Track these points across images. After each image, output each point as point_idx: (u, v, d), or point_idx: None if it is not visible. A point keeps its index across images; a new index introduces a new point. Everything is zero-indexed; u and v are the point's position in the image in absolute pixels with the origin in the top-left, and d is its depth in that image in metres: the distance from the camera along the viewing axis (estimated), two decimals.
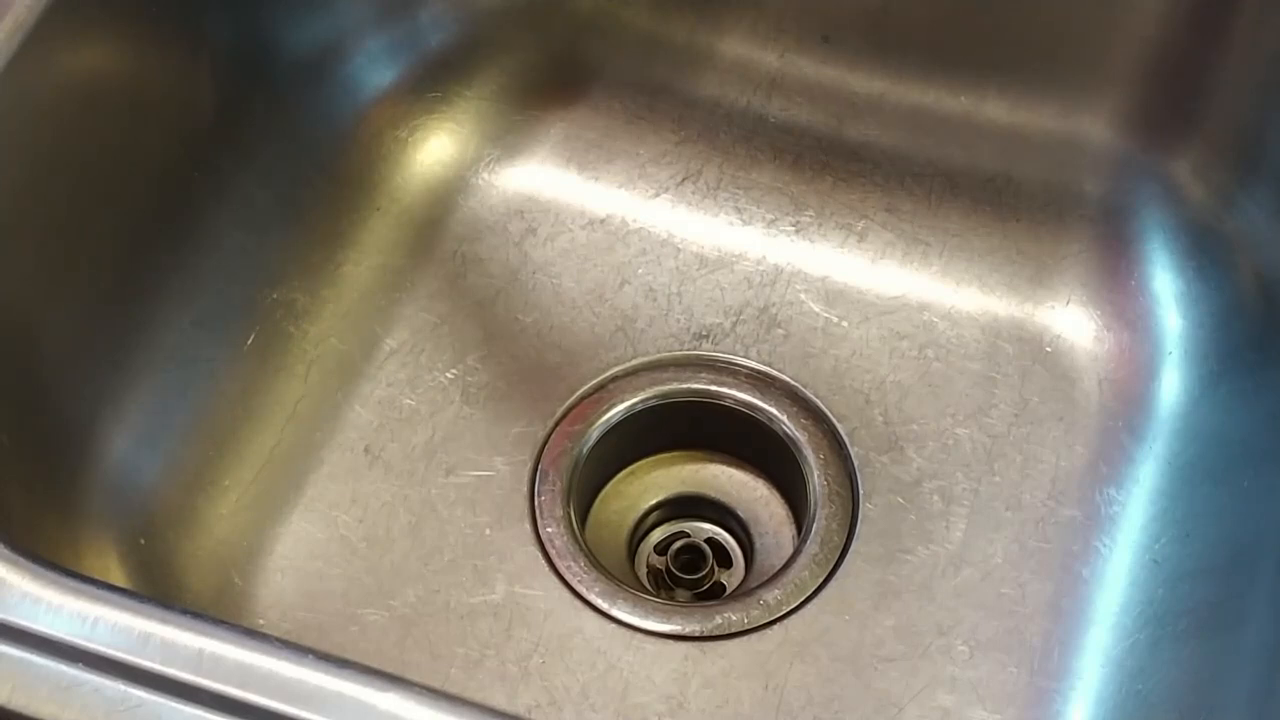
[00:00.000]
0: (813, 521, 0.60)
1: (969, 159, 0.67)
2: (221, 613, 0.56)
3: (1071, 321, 0.65)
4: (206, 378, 0.61)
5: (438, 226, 0.67)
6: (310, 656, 0.42)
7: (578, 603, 0.58)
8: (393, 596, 0.59)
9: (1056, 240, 0.66)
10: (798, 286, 0.66)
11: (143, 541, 0.57)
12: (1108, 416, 0.63)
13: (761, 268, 0.67)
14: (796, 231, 0.67)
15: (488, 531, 0.60)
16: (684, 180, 0.68)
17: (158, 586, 0.56)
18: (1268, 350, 0.61)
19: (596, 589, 0.59)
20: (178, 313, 0.60)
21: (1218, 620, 0.56)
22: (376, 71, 0.68)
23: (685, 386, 0.63)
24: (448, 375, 0.64)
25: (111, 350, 0.58)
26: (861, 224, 0.67)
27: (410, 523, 0.60)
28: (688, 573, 0.61)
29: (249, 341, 0.62)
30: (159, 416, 0.59)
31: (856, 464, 0.61)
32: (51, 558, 0.45)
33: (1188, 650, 0.55)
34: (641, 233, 0.68)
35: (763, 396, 0.63)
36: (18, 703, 0.41)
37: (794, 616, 0.58)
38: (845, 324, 0.65)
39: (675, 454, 0.64)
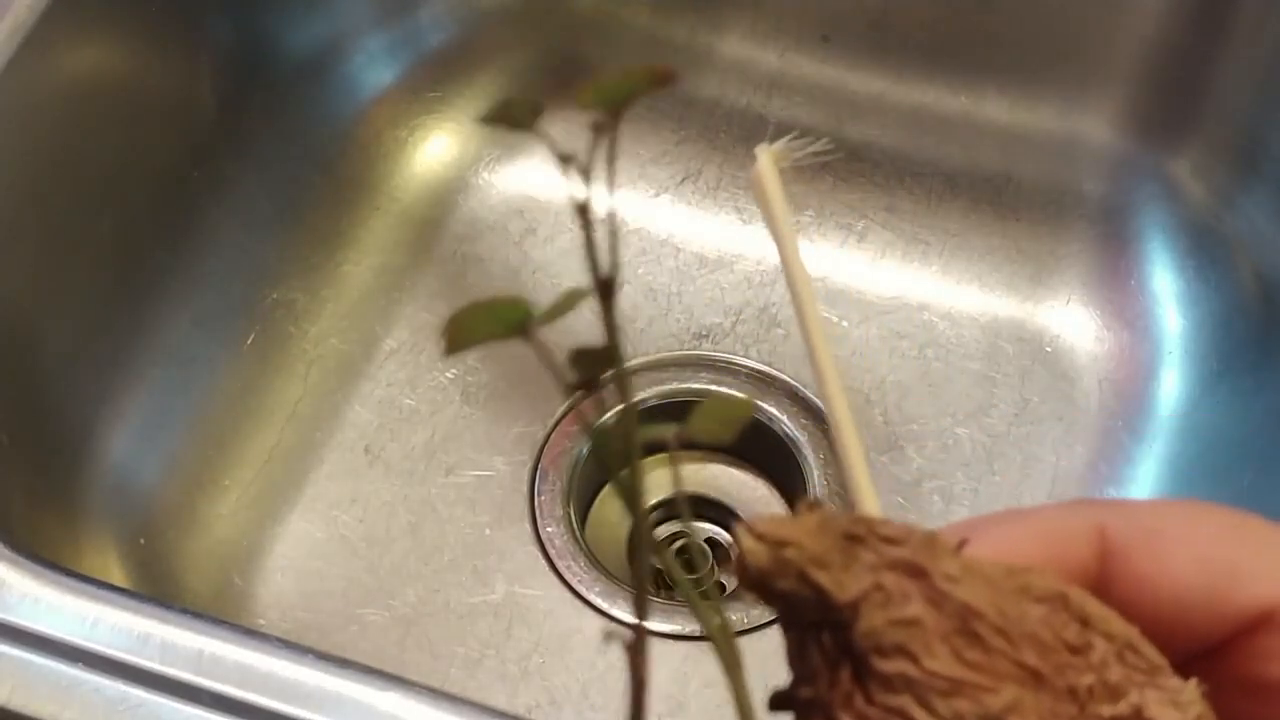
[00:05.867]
0: None
1: (969, 159, 0.67)
2: (221, 613, 0.56)
3: (1071, 321, 0.65)
4: (206, 377, 0.61)
5: (438, 226, 0.67)
6: (310, 656, 0.42)
7: (578, 603, 0.58)
8: (393, 596, 0.59)
9: (1056, 240, 0.66)
10: None
11: (143, 541, 0.57)
12: (1108, 416, 0.63)
13: (761, 268, 0.67)
14: (796, 231, 0.67)
15: (488, 531, 0.60)
16: (684, 180, 0.68)
17: (158, 586, 0.56)
18: (1268, 350, 0.61)
19: (596, 589, 0.59)
20: (177, 312, 0.60)
21: None
22: (376, 71, 0.68)
23: (685, 386, 0.63)
24: (448, 375, 0.64)
25: (111, 350, 0.58)
26: (861, 224, 0.67)
27: (410, 523, 0.60)
28: (687, 573, 0.61)
29: (249, 341, 0.62)
30: (159, 416, 0.59)
31: None
32: (51, 558, 0.45)
33: None
34: (641, 233, 0.68)
35: (763, 396, 0.63)
36: (18, 703, 0.41)
37: None
38: (845, 324, 0.65)
39: (675, 454, 0.64)
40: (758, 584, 0.22)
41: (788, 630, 0.23)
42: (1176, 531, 0.24)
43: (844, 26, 0.67)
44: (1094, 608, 0.23)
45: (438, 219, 0.68)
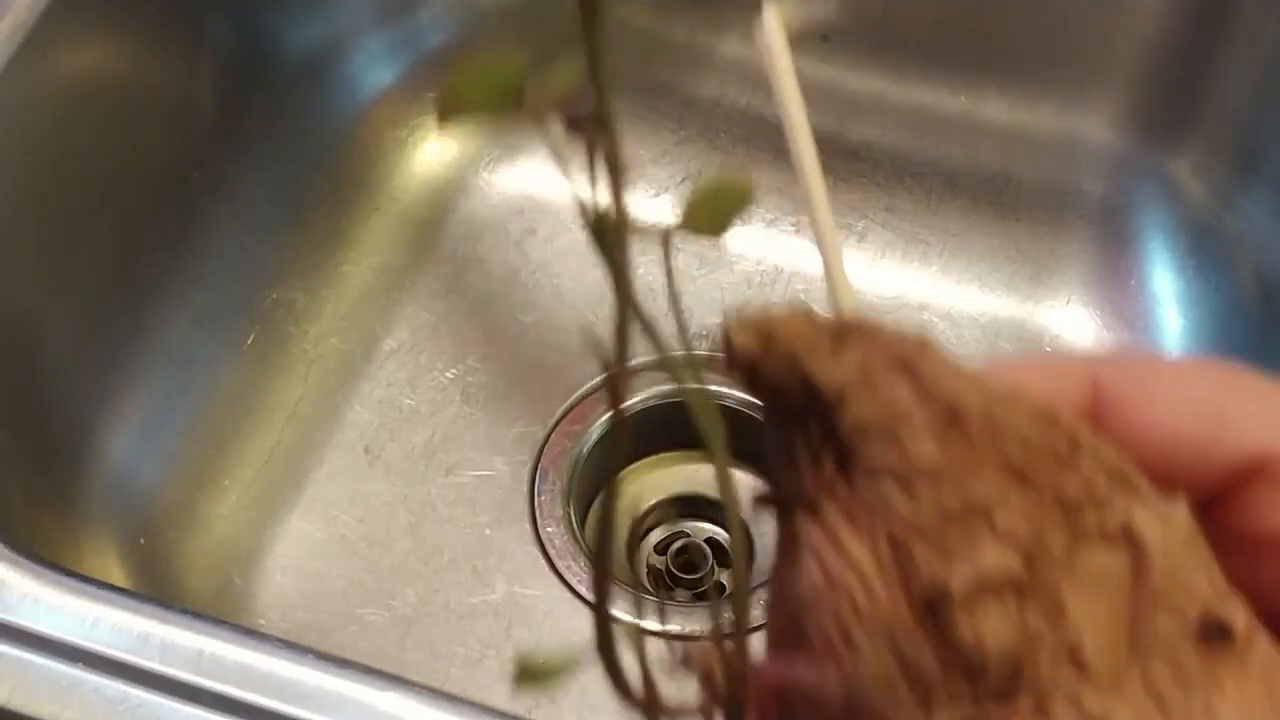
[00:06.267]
0: None
1: (969, 159, 0.67)
2: (221, 613, 0.56)
3: (1071, 321, 0.65)
4: (206, 377, 0.61)
5: (438, 226, 0.67)
6: (310, 656, 0.42)
7: (578, 603, 0.58)
8: (393, 596, 0.59)
9: (1056, 240, 0.66)
10: (798, 286, 0.66)
11: (143, 541, 0.57)
12: None
13: (761, 268, 0.67)
14: (796, 231, 0.67)
15: (488, 531, 0.60)
16: (684, 180, 0.68)
17: (158, 586, 0.56)
18: (1268, 350, 0.61)
19: None
20: (177, 312, 0.60)
21: None
22: (376, 71, 0.68)
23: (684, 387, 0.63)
24: (448, 375, 0.64)
25: (111, 350, 0.58)
26: (861, 224, 0.67)
27: (410, 523, 0.60)
28: (687, 573, 0.61)
29: (249, 341, 0.62)
30: (159, 416, 0.59)
31: None
32: (51, 558, 0.45)
33: None
34: (642, 233, 0.67)
35: None
36: (18, 703, 0.41)
37: None
38: None
39: (675, 454, 0.64)
40: (745, 371, 0.22)
41: (773, 430, 0.23)
42: (1168, 380, 0.24)
43: (844, 26, 0.67)
44: (1085, 432, 0.22)
45: (438, 219, 0.68)
